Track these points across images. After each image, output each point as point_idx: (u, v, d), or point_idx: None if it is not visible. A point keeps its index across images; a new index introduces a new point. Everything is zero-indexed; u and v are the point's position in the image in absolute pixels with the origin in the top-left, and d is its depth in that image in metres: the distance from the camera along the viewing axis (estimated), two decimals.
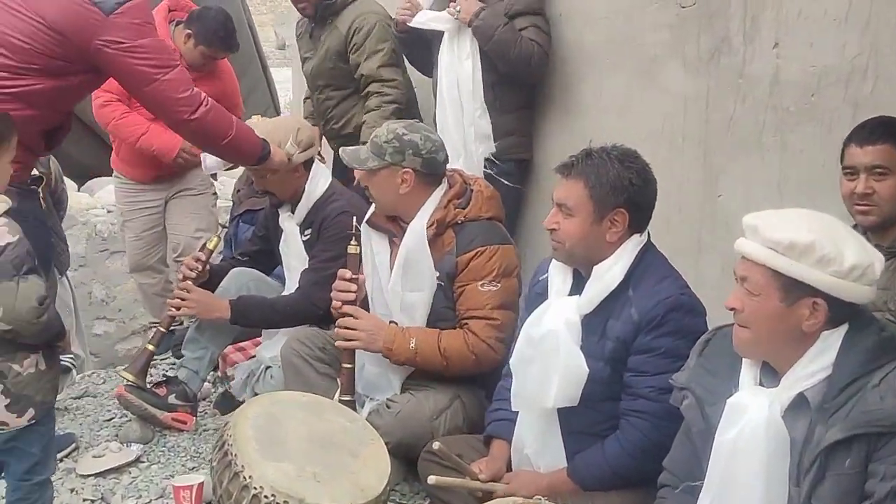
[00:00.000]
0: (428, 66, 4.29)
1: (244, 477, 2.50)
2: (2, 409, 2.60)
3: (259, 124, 3.83)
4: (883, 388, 1.89)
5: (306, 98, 5.00)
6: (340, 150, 3.50)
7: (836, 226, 2.01)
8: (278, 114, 8.53)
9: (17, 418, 2.63)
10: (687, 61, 3.43)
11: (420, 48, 4.25)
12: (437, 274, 3.18)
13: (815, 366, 1.97)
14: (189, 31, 4.47)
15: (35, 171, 4.02)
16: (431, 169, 3.25)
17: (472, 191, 3.29)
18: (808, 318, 1.96)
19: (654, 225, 3.11)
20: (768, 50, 3.13)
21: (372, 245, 3.33)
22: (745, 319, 2.03)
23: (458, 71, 4.00)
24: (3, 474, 2.78)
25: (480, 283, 3.14)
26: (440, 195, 3.24)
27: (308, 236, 3.78)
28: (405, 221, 3.26)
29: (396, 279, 3.24)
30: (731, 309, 2.05)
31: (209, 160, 3.93)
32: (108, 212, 6.87)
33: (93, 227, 6.56)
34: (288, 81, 8.46)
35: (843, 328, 1.98)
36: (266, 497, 2.46)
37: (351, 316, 3.22)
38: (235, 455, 2.55)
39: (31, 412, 2.65)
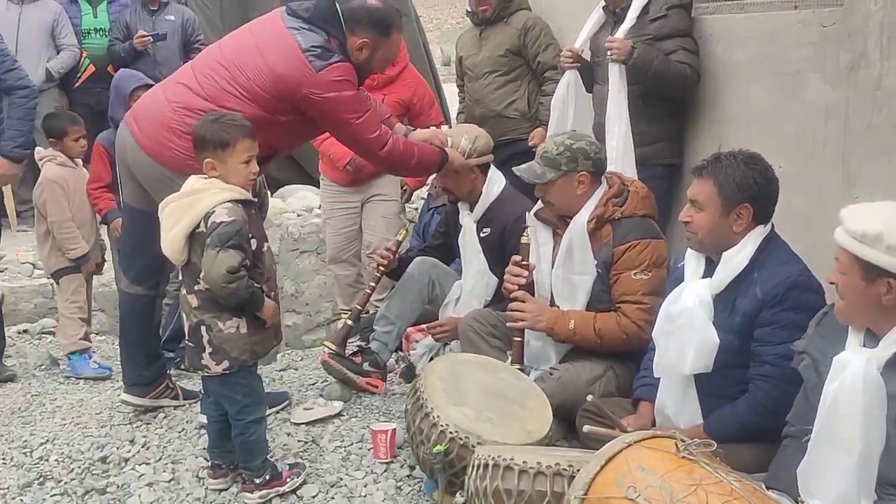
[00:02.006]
0: (588, 83, 4.79)
1: (433, 416, 3.09)
2: (207, 355, 3.26)
3: (442, 131, 4.43)
4: None
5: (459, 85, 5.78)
6: (514, 168, 3.95)
7: None
8: (450, 124, 9.05)
9: (216, 365, 3.27)
10: (827, 75, 3.75)
11: (583, 66, 4.76)
12: (596, 262, 3.67)
13: None
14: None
15: None
16: (599, 168, 3.78)
17: (629, 191, 3.77)
18: (886, 294, 2.39)
19: (795, 225, 3.54)
20: None
21: (538, 236, 3.85)
22: (840, 292, 2.48)
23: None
24: None
25: (633, 271, 3.61)
26: (601, 195, 3.74)
27: (485, 234, 4.33)
28: (568, 217, 3.77)
29: (559, 266, 3.75)
30: (831, 283, 2.49)
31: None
32: (298, 215, 7.47)
33: (285, 229, 7.09)
34: (455, 96, 9.00)
35: None
36: (451, 433, 3.04)
37: (520, 300, 3.75)
38: (426, 400, 3.15)
39: (225, 363, 3.27)
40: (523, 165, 3.85)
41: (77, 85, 7.42)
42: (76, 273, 5.08)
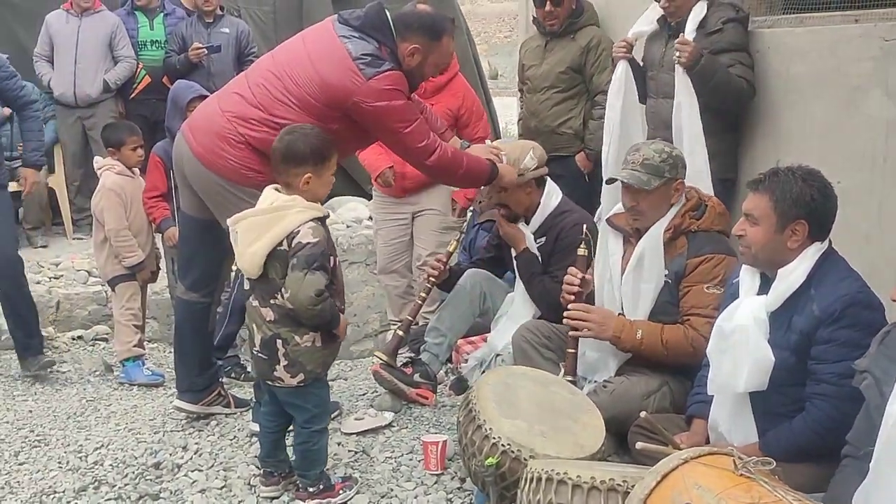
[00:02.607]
0: (642, 94, 4.76)
1: (486, 429, 3.09)
2: (281, 367, 3.28)
3: (499, 145, 4.43)
4: None
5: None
6: (615, 175, 3.89)
7: None
8: (498, 137, 9.07)
9: (290, 378, 3.30)
10: (889, 89, 3.70)
11: (637, 77, 4.72)
12: (667, 272, 3.65)
13: None
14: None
15: None
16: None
17: (706, 206, 3.74)
18: None
19: (854, 240, 3.48)
20: None
21: (608, 244, 3.83)
22: None
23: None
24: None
25: (706, 285, 3.57)
26: (678, 206, 3.71)
27: (541, 243, 4.33)
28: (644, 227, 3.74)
29: (629, 274, 3.72)
30: (894, 300, 2.44)
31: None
32: (348, 226, 7.55)
33: (335, 240, 7.26)
34: (503, 108, 9.02)
35: None
36: (503, 445, 3.03)
37: (582, 310, 3.72)
38: (479, 412, 3.14)
39: (301, 376, 3.30)
40: (625, 173, 3.74)
41: (133, 96, 7.55)
42: (132, 281, 5.16)
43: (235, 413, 4.25)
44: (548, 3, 5.23)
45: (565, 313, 3.74)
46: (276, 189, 3.30)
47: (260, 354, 3.32)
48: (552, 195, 4.40)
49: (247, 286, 3.37)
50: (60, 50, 7.34)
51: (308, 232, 3.19)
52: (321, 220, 3.28)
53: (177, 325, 4.29)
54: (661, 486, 2.36)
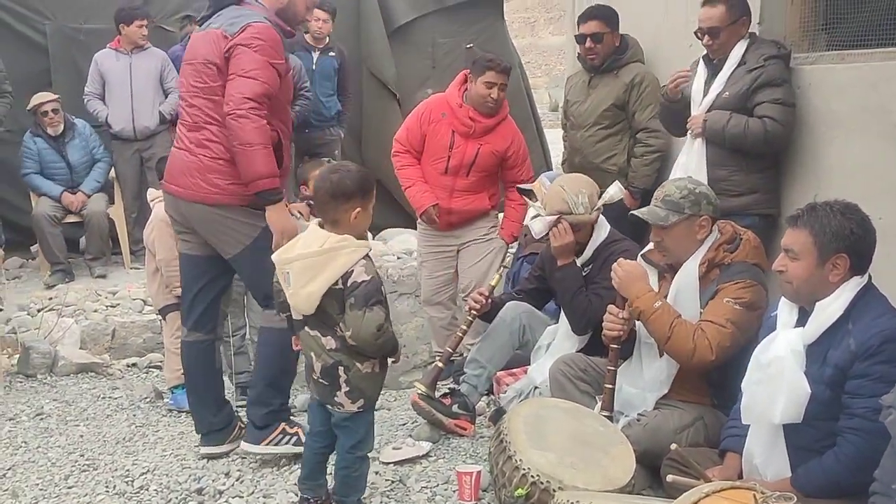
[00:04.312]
0: (676, 129, 4.81)
1: (516, 460, 3.13)
2: (342, 393, 3.37)
3: (566, 183, 4.49)
4: None
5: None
6: (635, 211, 3.96)
7: None
8: (550, 169, 9.07)
9: (351, 403, 3.39)
10: None
11: (674, 117, 4.76)
12: (701, 304, 3.67)
13: None
14: (470, 76, 5.27)
15: None
16: (717, 212, 3.81)
17: (741, 239, 3.77)
18: None
19: (893, 276, 3.45)
20: None
21: None
22: None
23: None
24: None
25: (727, 299, 3.60)
26: (712, 241, 3.75)
27: (587, 272, 4.39)
28: (678, 264, 3.77)
29: None
30: None
31: (537, 226, 4.45)
32: (398, 258, 7.64)
33: (385, 271, 7.13)
34: (560, 141, 9.03)
35: None
36: (532, 477, 3.08)
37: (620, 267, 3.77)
38: (510, 443, 3.19)
39: (361, 401, 3.40)
40: (644, 209, 3.86)
41: None
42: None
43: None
44: (588, 39, 5.27)
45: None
46: (320, 225, 3.39)
47: (321, 380, 3.41)
48: (602, 228, 4.46)
49: (298, 317, 3.43)
50: (114, 87, 7.63)
51: (361, 271, 3.28)
52: (369, 256, 3.37)
53: (186, 368, 4.38)
54: None
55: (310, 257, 3.28)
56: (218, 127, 3.94)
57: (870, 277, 3.09)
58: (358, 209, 3.35)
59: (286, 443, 4.11)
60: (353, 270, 3.27)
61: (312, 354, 3.41)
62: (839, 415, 2.97)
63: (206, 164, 3.96)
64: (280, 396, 4.18)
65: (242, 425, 4.36)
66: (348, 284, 3.26)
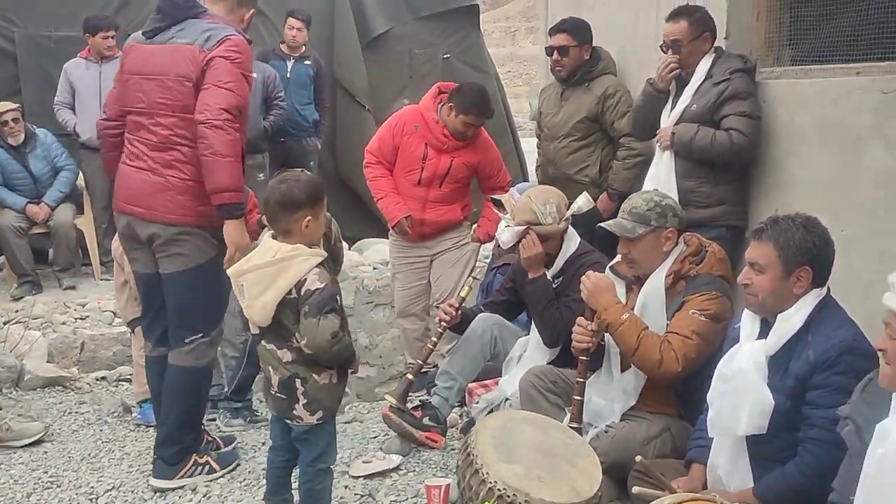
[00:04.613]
0: (645, 132, 4.85)
1: (483, 473, 3.15)
2: (301, 406, 3.37)
3: (534, 193, 4.54)
4: None
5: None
6: (602, 224, 4.03)
7: None
8: (527, 180, 9.07)
9: (309, 416, 3.39)
10: (888, 141, 3.74)
11: (651, 113, 4.77)
12: (667, 316, 3.72)
13: None
14: (451, 105, 5.24)
15: None
16: (683, 224, 3.87)
17: (707, 251, 3.82)
18: None
19: (856, 289, 3.52)
20: None
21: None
22: (888, 358, 2.46)
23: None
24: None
25: (693, 310, 3.65)
26: (678, 253, 3.80)
27: (556, 284, 4.41)
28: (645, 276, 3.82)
29: None
30: (880, 350, 2.48)
31: (505, 236, 4.49)
32: (374, 269, 7.66)
33: (360, 282, 7.24)
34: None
35: None
36: (499, 490, 3.09)
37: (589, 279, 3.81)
38: (477, 456, 3.21)
39: (319, 413, 3.40)
40: (611, 221, 3.92)
41: None
42: None
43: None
44: (555, 52, 5.31)
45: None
46: (273, 237, 3.39)
47: (279, 395, 3.40)
48: (571, 239, 4.49)
49: (255, 331, 3.45)
50: (84, 96, 7.54)
51: (314, 279, 3.29)
52: (323, 264, 3.37)
53: (151, 384, 4.38)
54: None
55: (262, 268, 3.29)
56: (190, 148, 3.90)
57: (828, 290, 3.13)
58: (308, 218, 3.34)
59: (199, 473, 4.14)
60: (306, 279, 3.27)
61: (270, 368, 3.40)
62: (800, 425, 3.01)
63: (175, 185, 3.94)
64: (192, 433, 4.20)
65: (211, 438, 4.36)
66: (302, 293, 3.27)
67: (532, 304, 4.43)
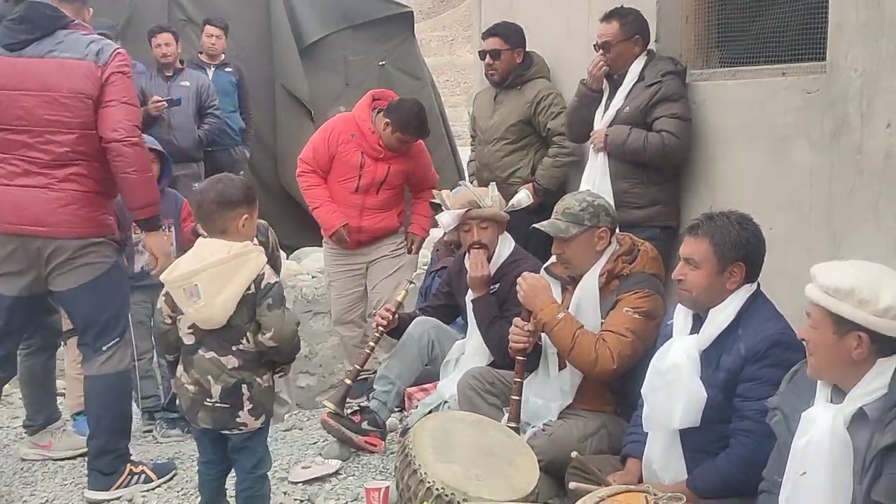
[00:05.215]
0: (579, 134, 4.91)
1: (421, 474, 3.16)
2: (246, 412, 3.33)
3: (481, 190, 4.59)
4: None
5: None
6: (536, 225, 4.04)
7: (883, 273, 2.48)
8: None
9: (254, 420, 3.35)
10: (812, 139, 3.83)
11: (585, 113, 4.84)
12: (601, 317, 3.76)
13: (872, 386, 2.43)
14: (388, 120, 5.23)
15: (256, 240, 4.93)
16: (615, 224, 3.92)
17: (639, 250, 3.88)
18: (856, 349, 2.45)
19: (785, 284, 3.59)
20: (882, 129, 3.50)
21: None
22: (811, 348, 2.54)
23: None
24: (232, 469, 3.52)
25: (626, 308, 3.71)
26: (611, 252, 3.85)
27: (494, 289, 4.44)
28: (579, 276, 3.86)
29: None
30: (803, 339, 2.55)
31: (445, 218, 4.56)
32: (312, 277, 7.56)
33: (299, 291, 7.19)
34: None
35: None
36: (437, 490, 3.11)
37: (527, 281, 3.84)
38: (415, 457, 3.22)
39: (263, 417, 3.38)
40: (545, 222, 3.95)
41: None
42: None
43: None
44: (487, 56, 5.35)
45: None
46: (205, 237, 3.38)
47: (220, 405, 3.31)
48: (505, 243, 4.53)
49: (190, 341, 3.35)
50: None
51: (271, 273, 3.35)
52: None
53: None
54: None
55: (220, 265, 3.25)
56: (88, 162, 3.88)
57: (759, 285, 3.20)
58: (245, 216, 3.35)
59: (135, 483, 4.10)
60: (264, 273, 3.29)
61: (210, 378, 3.30)
62: (732, 417, 3.07)
63: (76, 199, 3.89)
64: (125, 438, 4.17)
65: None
66: (262, 287, 3.27)
67: (477, 322, 4.45)
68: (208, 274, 3.25)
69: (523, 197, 4.49)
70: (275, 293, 3.29)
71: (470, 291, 4.46)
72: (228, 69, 8.01)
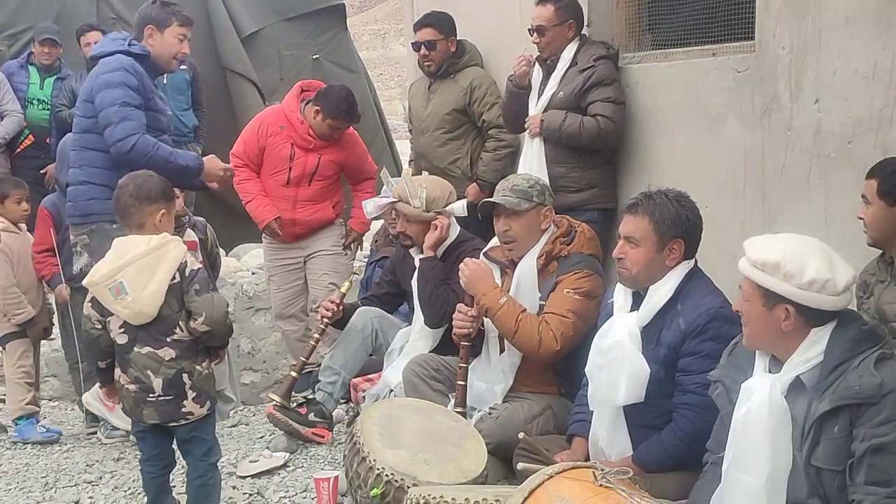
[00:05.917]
0: (516, 126, 4.94)
1: (370, 460, 3.15)
2: (190, 401, 3.32)
3: (425, 179, 4.61)
4: (861, 369, 2.39)
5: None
6: (491, 199, 4.03)
7: (810, 247, 2.53)
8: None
9: (200, 408, 3.35)
10: (744, 118, 3.92)
11: (517, 108, 4.87)
12: (541, 295, 3.80)
13: (808, 354, 2.49)
14: (317, 108, 5.18)
15: (195, 237, 4.90)
16: (553, 206, 3.95)
17: (576, 231, 3.92)
18: (784, 320, 2.50)
19: (720, 260, 3.66)
20: (811, 105, 3.61)
21: None
22: (744, 320, 2.60)
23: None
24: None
25: (567, 289, 3.75)
26: (549, 234, 3.88)
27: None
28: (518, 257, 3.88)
29: None
30: (736, 311, 2.61)
31: (369, 206, 4.59)
32: (253, 273, 7.53)
33: (240, 287, 7.03)
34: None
35: (831, 325, 2.50)
36: (387, 475, 3.11)
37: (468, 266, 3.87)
38: (363, 444, 3.21)
39: (208, 404, 3.38)
40: (497, 197, 3.93)
41: (18, 151, 7.44)
42: (23, 338, 5.07)
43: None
44: (422, 47, 5.36)
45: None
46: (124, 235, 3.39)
47: (163, 397, 3.30)
48: (452, 227, 4.52)
49: (124, 340, 3.32)
50: None
51: (193, 259, 3.37)
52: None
53: None
54: (528, 501, 2.47)
55: (142, 258, 3.26)
56: None
57: (696, 261, 3.26)
58: (163, 211, 3.37)
59: None
60: (187, 261, 3.32)
61: (150, 373, 3.28)
62: (674, 392, 3.12)
63: None
64: None
65: None
66: (187, 274, 3.30)
67: (422, 284, 4.42)
68: (133, 268, 3.25)
69: (458, 208, 4.47)
70: (200, 278, 3.31)
71: (418, 250, 4.48)
72: (183, 66, 7.89)
